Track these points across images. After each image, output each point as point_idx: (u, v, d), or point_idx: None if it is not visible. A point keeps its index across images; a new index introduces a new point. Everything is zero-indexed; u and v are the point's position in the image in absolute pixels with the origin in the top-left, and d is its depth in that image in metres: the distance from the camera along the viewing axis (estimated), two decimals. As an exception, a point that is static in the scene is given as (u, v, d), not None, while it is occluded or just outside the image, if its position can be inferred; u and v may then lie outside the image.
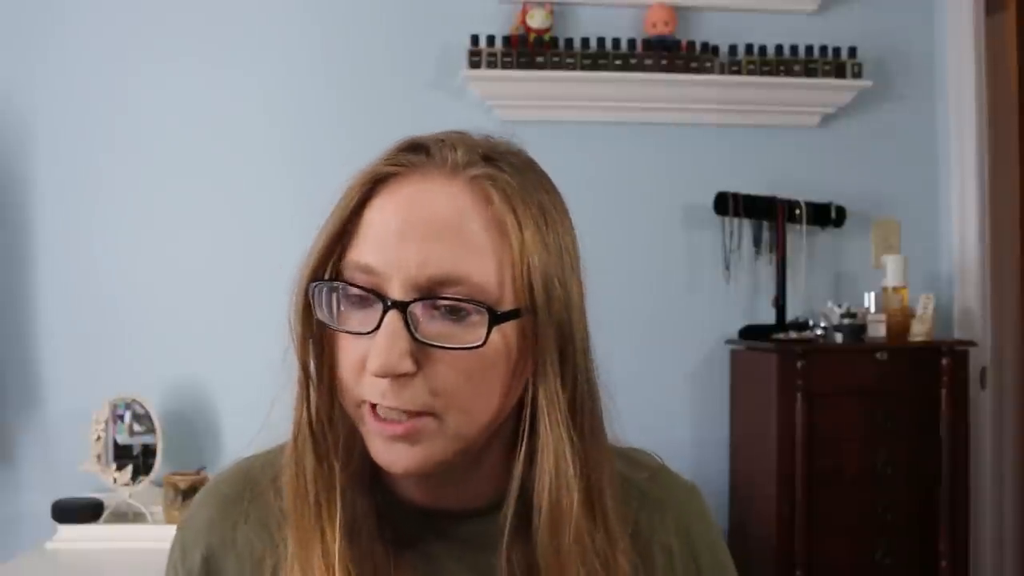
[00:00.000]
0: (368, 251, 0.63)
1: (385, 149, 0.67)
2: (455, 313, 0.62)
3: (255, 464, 0.74)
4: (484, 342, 0.61)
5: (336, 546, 0.64)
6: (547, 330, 0.64)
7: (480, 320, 0.62)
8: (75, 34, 2.40)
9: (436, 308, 0.62)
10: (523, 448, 0.66)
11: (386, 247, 0.62)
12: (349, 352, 0.64)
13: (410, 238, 0.62)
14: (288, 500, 0.67)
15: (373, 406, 0.63)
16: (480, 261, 0.62)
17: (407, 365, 0.61)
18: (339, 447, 0.67)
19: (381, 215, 0.64)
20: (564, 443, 0.65)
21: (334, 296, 0.65)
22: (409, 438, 0.63)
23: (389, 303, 0.61)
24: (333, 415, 0.67)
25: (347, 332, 0.64)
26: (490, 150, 0.67)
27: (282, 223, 2.40)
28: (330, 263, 0.65)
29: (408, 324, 0.61)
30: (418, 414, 0.62)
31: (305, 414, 0.66)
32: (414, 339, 0.61)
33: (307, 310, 0.65)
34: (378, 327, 0.61)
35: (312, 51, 2.46)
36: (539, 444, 0.65)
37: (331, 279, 0.64)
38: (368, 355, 0.61)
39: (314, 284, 0.65)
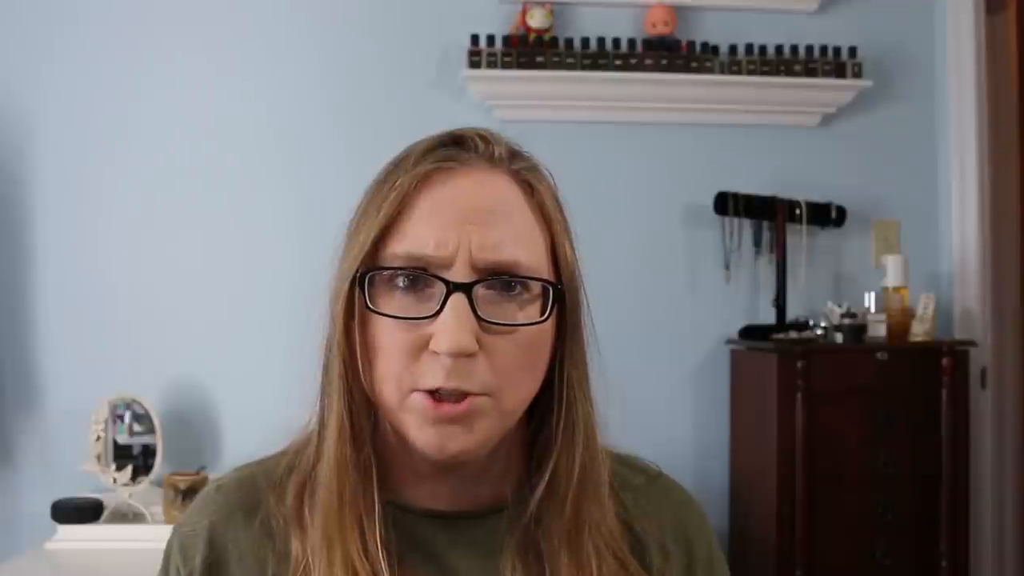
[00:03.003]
0: (421, 239, 0.64)
1: (424, 141, 0.70)
2: (510, 293, 0.65)
3: (256, 470, 0.75)
4: (548, 316, 0.66)
5: (376, 537, 0.65)
6: (575, 309, 0.69)
7: (533, 298, 0.66)
8: (77, 35, 2.40)
9: (492, 289, 0.65)
10: (561, 421, 0.69)
11: (444, 236, 0.64)
12: (398, 339, 0.64)
13: (468, 225, 0.64)
14: (323, 496, 0.66)
15: (428, 392, 0.64)
16: (529, 244, 0.67)
17: (475, 345, 0.63)
18: (373, 441, 0.68)
19: (434, 205, 0.66)
20: (592, 415, 0.70)
21: (376, 285, 0.65)
22: (465, 420, 0.64)
23: (453, 285, 0.63)
24: (368, 404, 0.68)
25: (407, 319, 0.64)
26: (515, 147, 0.71)
27: (282, 223, 2.40)
28: (364, 255, 0.66)
29: (473, 305, 0.63)
30: (477, 394, 0.64)
31: (347, 408, 0.66)
32: (479, 319, 0.63)
33: (350, 300, 0.66)
34: (440, 310, 0.63)
35: (312, 52, 2.46)
36: (572, 417, 0.69)
37: (375, 268, 0.65)
38: (431, 338, 0.63)
39: (369, 272, 0.65)
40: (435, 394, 0.64)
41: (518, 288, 0.65)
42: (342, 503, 0.66)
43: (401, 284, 0.65)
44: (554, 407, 0.69)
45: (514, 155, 0.70)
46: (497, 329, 0.64)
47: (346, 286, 0.66)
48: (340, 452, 0.66)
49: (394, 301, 0.65)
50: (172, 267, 2.41)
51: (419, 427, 0.64)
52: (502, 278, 0.65)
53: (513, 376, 0.65)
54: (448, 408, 0.63)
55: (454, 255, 0.64)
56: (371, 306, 0.65)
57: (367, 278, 0.65)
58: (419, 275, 0.64)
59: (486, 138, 0.70)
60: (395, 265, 0.65)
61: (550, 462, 0.69)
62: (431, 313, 0.63)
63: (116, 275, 2.40)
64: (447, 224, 0.65)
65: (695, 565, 0.76)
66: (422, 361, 0.64)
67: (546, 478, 0.69)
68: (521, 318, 0.65)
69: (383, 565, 0.65)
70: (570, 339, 0.69)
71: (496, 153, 0.69)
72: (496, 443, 0.68)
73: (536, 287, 0.66)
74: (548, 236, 0.69)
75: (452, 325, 0.62)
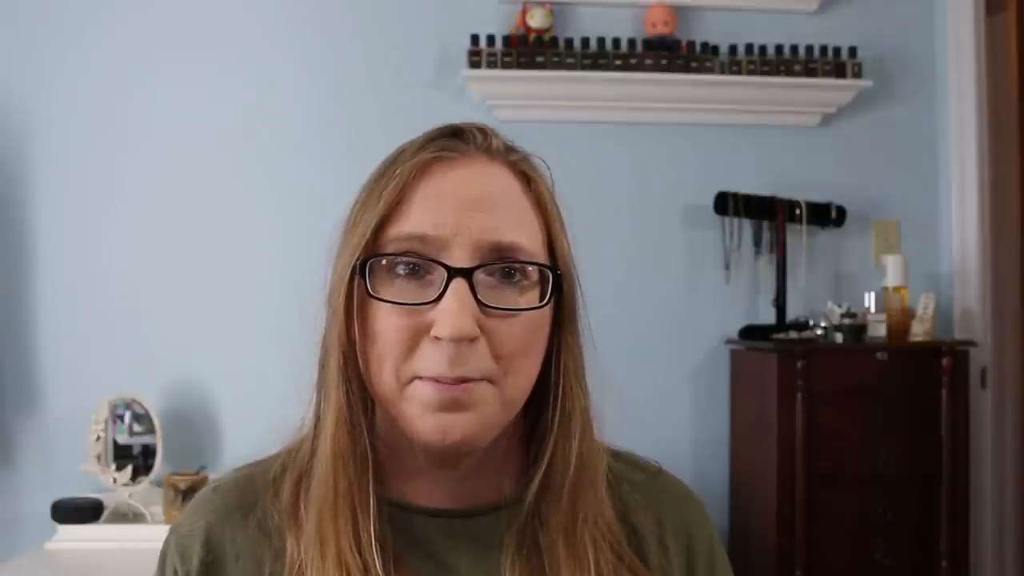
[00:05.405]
0: (423, 223, 0.65)
1: (424, 133, 0.70)
2: (510, 278, 0.66)
3: (253, 471, 0.75)
4: (548, 301, 0.66)
5: (371, 532, 0.65)
6: (571, 296, 0.70)
7: (532, 284, 0.66)
8: (76, 35, 2.40)
9: (492, 276, 0.65)
10: (558, 410, 0.69)
11: (444, 219, 0.65)
12: (398, 325, 0.64)
13: (469, 210, 0.65)
14: (318, 490, 0.67)
15: (428, 379, 0.63)
16: (528, 231, 0.68)
17: (476, 329, 0.63)
18: (372, 431, 0.68)
19: (435, 191, 0.66)
20: (588, 405, 0.70)
21: (376, 273, 0.66)
22: (466, 402, 0.64)
23: (454, 270, 0.63)
24: (366, 398, 0.68)
25: (408, 304, 0.64)
26: (509, 141, 0.73)
27: (283, 223, 2.40)
28: (364, 243, 0.66)
29: (474, 290, 0.63)
30: (478, 379, 0.64)
31: (345, 399, 0.66)
32: (479, 304, 0.64)
33: (350, 290, 0.66)
34: (440, 295, 0.63)
35: (312, 52, 2.46)
36: (568, 406, 0.69)
37: (376, 255, 0.65)
38: (431, 324, 0.63)
39: (371, 258, 0.65)
40: (436, 380, 0.64)
41: (517, 275, 0.66)
42: (336, 497, 0.65)
43: (401, 271, 0.65)
44: (550, 397, 0.69)
45: (510, 148, 0.72)
46: (498, 314, 0.64)
47: (346, 275, 0.66)
48: (337, 444, 0.66)
49: (394, 288, 0.65)
50: (172, 267, 2.41)
51: (420, 415, 0.64)
52: (502, 263, 0.65)
53: (514, 361, 0.65)
54: (449, 388, 0.63)
55: (452, 237, 0.64)
56: (372, 293, 0.65)
57: (368, 266, 0.65)
58: (419, 261, 0.65)
59: (484, 131, 0.71)
60: (394, 249, 0.65)
61: (547, 452, 0.69)
62: (432, 299, 0.64)
63: (116, 275, 2.40)
64: (446, 210, 0.65)
65: (696, 559, 0.76)
66: (422, 348, 0.64)
67: (543, 468, 0.69)
68: (522, 303, 0.66)
69: (376, 560, 0.65)
70: (567, 329, 0.70)
71: (494, 145, 0.70)
72: (496, 434, 0.68)
73: (535, 273, 0.67)
74: (545, 226, 0.70)
75: (454, 310, 0.62)
